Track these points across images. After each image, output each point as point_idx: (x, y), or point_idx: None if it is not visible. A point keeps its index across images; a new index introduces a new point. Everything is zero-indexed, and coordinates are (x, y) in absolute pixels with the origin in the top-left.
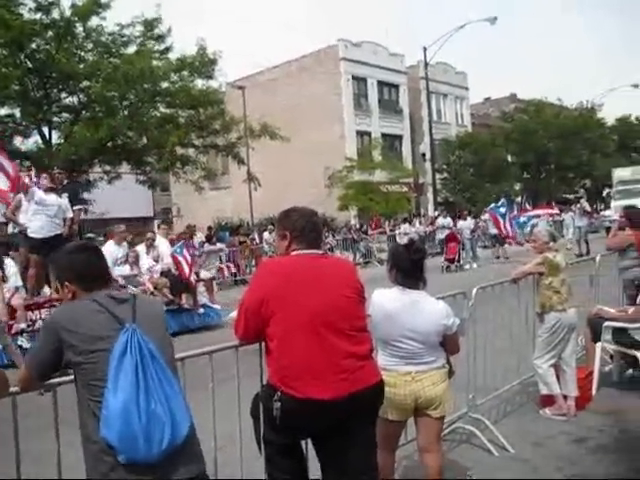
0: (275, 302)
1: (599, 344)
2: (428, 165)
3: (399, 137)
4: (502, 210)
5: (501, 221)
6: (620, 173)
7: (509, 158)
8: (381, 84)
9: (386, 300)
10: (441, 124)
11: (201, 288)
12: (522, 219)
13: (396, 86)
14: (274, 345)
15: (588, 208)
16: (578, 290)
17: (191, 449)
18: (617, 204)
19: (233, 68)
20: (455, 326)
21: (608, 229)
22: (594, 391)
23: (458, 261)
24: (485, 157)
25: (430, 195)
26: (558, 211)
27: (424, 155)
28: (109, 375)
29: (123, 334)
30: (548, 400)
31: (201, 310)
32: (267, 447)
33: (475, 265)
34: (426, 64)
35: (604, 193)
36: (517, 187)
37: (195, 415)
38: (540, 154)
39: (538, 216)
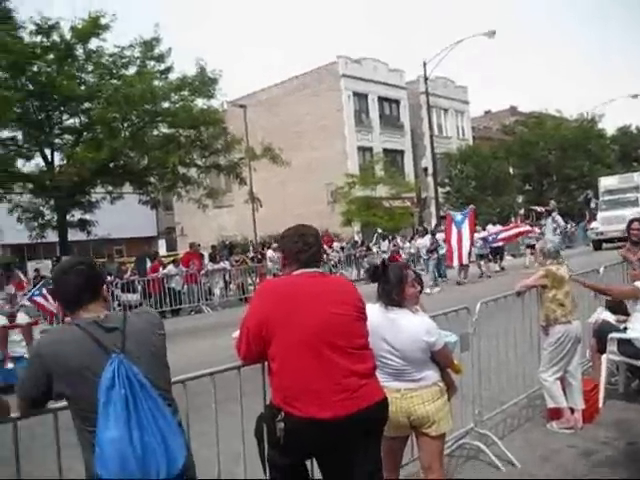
0: (275, 323)
1: (605, 356)
2: (430, 179)
3: (401, 152)
4: (459, 218)
5: (454, 233)
6: (606, 182)
7: (510, 170)
8: (382, 100)
9: (370, 315)
10: (442, 138)
11: (17, 336)
12: (491, 237)
13: (397, 101)
14: (276, 365)
15: (561, 222)
16: (583, 302)
17: (187, 476)
18: (604, 215)
19: (235, 87)
20: (439, 344)
21: (597, 242)
22: (601, 403)
23: None
24: (487, 170)
25: (433, 209)
26: (529, 228)
27: (426, 169)
28: (99, 410)
29: (109, 365)
30: (555, 413)
31: (10, 365)
32: (272, 468)
33: (436, 289)
34: (426, 79)
35: (592, 204)
36: (519, 199)
37: (199, 436)
38: (541, 166)
39: (506, 238)
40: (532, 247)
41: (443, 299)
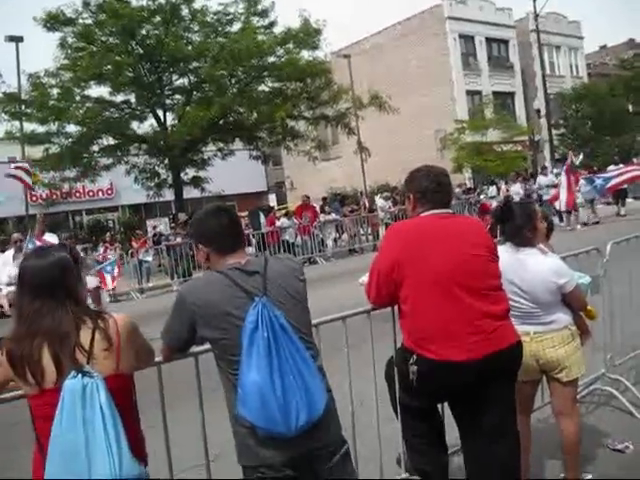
0: (406, 265)
1: None
2: (543, 121)
3: (511, 94)
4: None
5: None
6: None
7: (630, 108)
8: (489, 41)
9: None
10: (555, 77)
11: None
12: (598, 181)
13: (505, 41)
14: (407, 308)
15: None
16: None
17: (329, 420)
18: None
19: (338, 38)
20: (571, 285)
21: None
22: None
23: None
24: (604, 109)
25: (547, 152)
26: None
27: (539, 111)
28: (242, 352)
29: (253, 309)
30: None
31: None
32: (403, 411)
33: None
34: (536, 15)
35: None
36: None
37: (330, 377)
38: None
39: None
40: None
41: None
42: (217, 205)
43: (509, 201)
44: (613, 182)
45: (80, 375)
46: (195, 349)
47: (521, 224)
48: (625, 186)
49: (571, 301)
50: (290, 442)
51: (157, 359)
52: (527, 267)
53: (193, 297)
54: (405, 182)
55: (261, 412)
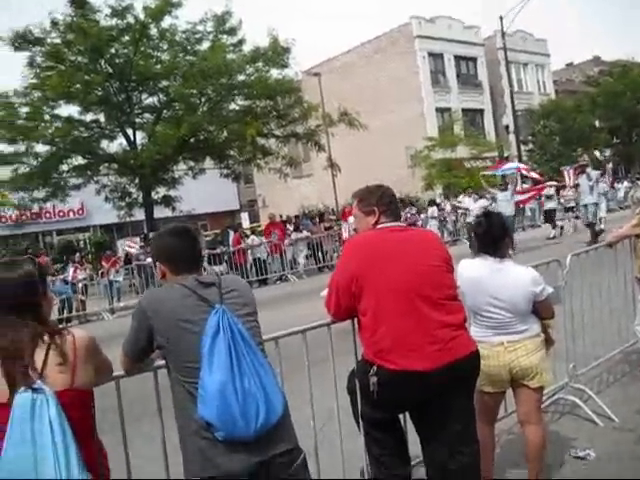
0: (365, 278)
1: None
2: (512, 137)
3: (480, 111)
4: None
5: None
6: None
7: (597, 124)
8: (458, 58)
9: (471, 269)
10: (523, 94)
11: None
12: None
13: (474, 59)
14: (367, 320)
15: (598, 178)
16: None
17: (285, 425)
18: None
19: (308, 56)
20: (545, 293)
21: None
22: None
23: None
24: (571, 124)
25: None
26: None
27: (507, 127)
28: (204, 355)
29: (214, 315)
30: None
31: None
32: (365, 423)
33: None
34: (503, 34)
35: None
36: (607, 153)
37: (292, 394)
38: (630, 117)
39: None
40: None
41: None
42: (177, 224)
43: (488, 212)
44: (519, 198)
45: (30, 391)
46: (156, 363)
47: (500, 235)
48: (553, 206)
49: (542, 309)
50: (249, 448)
51: (116, 373)
52: (507, 277)
53: (152, 306)
54: (362, 197)
55: (222, 412)
